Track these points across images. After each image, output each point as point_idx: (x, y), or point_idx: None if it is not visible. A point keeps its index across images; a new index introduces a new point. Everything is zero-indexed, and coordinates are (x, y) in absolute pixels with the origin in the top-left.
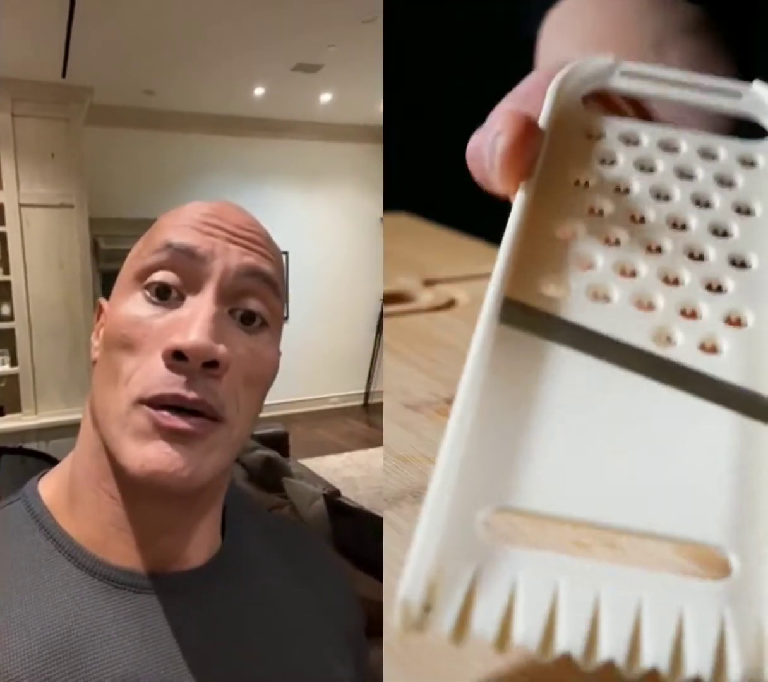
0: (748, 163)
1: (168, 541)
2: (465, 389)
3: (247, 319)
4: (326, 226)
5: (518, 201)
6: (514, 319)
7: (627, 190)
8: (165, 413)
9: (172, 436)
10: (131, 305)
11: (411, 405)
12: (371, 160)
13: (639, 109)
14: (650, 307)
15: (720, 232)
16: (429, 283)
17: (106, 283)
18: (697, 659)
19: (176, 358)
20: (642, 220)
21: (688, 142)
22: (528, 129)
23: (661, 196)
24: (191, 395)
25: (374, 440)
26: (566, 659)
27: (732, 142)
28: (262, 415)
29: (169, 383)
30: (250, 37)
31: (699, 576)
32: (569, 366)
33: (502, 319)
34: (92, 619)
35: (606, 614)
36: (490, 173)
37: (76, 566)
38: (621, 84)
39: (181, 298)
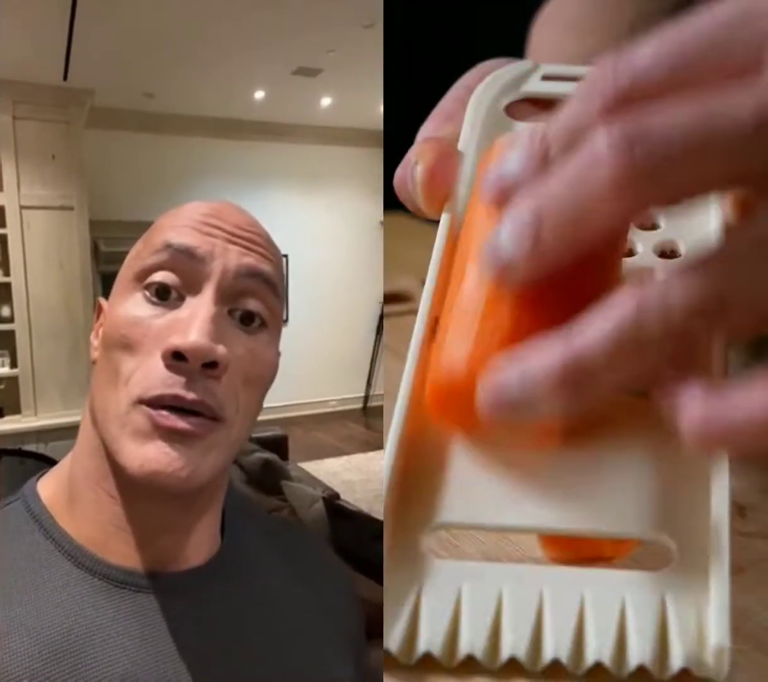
0: None
1: (167, 540)
2: (398, 413)
3: (247, 319)
4: (326, 229)
5: (442, 221)
6: None
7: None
8: (164, 412)
9: (171, 436)
10: (131, 306)
11: None
12: (371, 163)
13: None
14: None
15: (648, 226)
16: None
17: (106, 285)
18: (639, 650)
19: (175, 358)
20: None
21: None
22: (442, 155)
23: None
24: (190, 395)
25: (373, 443)
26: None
27: None
28: (261, 418)
29: (169, 384)
30: (251, 40)
31: (638, 569)
32: None
33: (434, 337)
34: (92, 618)
35: (549, 615)
36: (415, 201)
37: (75, 566)
38: (542, 88)
39: (181, 298)
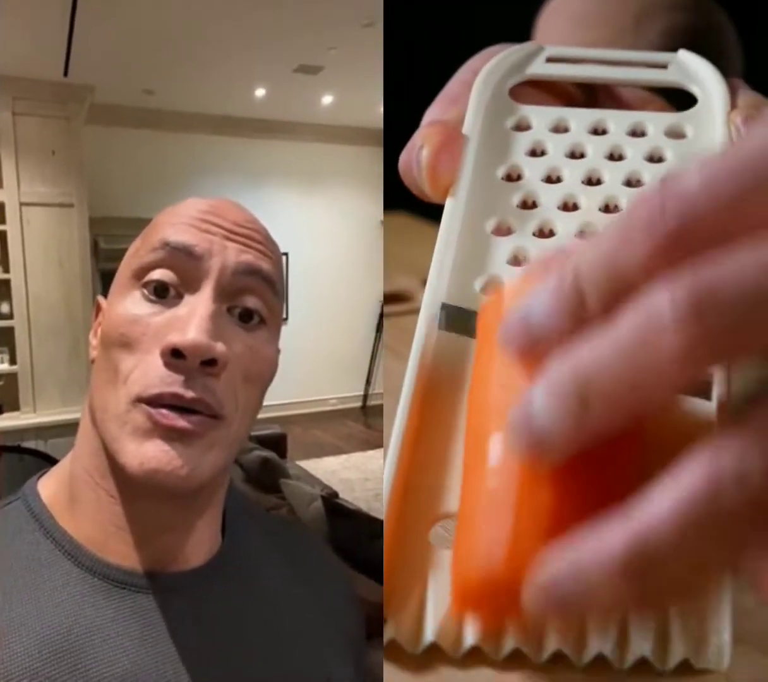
0: (678, 135)
1: (167, 539)
2: (404, 400)
3: (246, 316)
4: (326, 228)
5: (448, 205)
6: (453, 324)
7: (559, 179)
8: (164, 411)
9: (170, 434)
10: (129, 304)
11: None
12: (371, 162)
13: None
14: None
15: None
16: None
17: (105, 282)
18: (640, 642)
19: (174, 356)
20: (575, 207)
21: (616, 123)
22: (447, 138)
23: (592, 181)
24: (190, 393)
25: (372, 442)
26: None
27: (660, 116)
28: (260, 416)
29: (168, 382)
30: (251, 38)
31: None
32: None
33: (441, 324)
34: (92, 618)
35: None
36: (421, 185)
37: (75, 565)
38: (546, 70)
39: (179, 296)
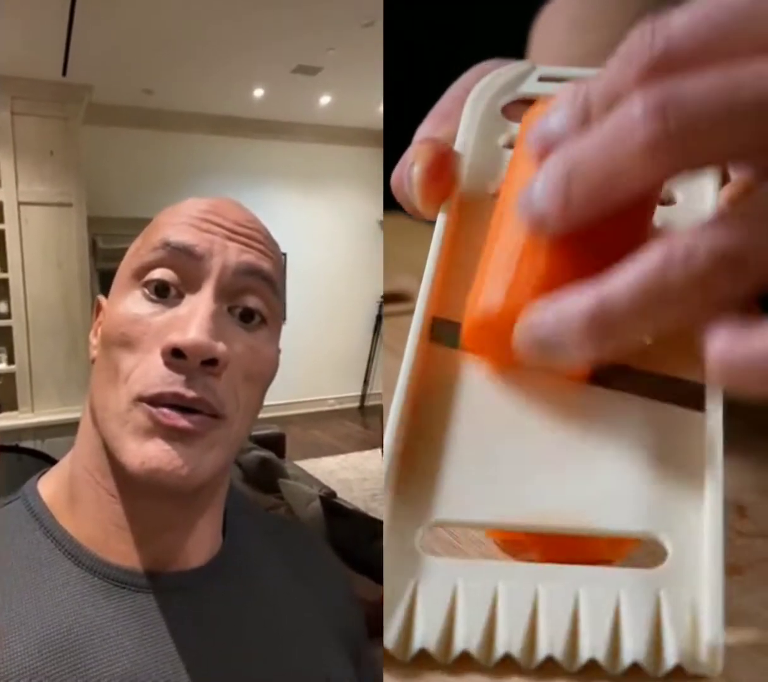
0: None
1: (168, 539)
2: (394, 412)
3: (246, 316)
4: (324, 228)
5: (439, 221)
6: (443, 337)
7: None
8: (165, 410)
9: (171, 434)
10: (130, 303)
11: None
12: (370, 163)
13: None
14: None
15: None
16: None
17: (104, 282)
18: (634, 647)
19: (175, 356)
20: None
21: None
22: (439, 155)
23: None
24: (190, 393)
25: (370, 442)
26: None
27: None
28: (258, 416)
29: (169, 382)
30: (250, 38)
31: (633, 566)
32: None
33: (432, 337)
34: (92, 618)
35: (544, 613)
36: (412, 202)
37: (76, 565)
38: (539, 89)
39: (180, 296)
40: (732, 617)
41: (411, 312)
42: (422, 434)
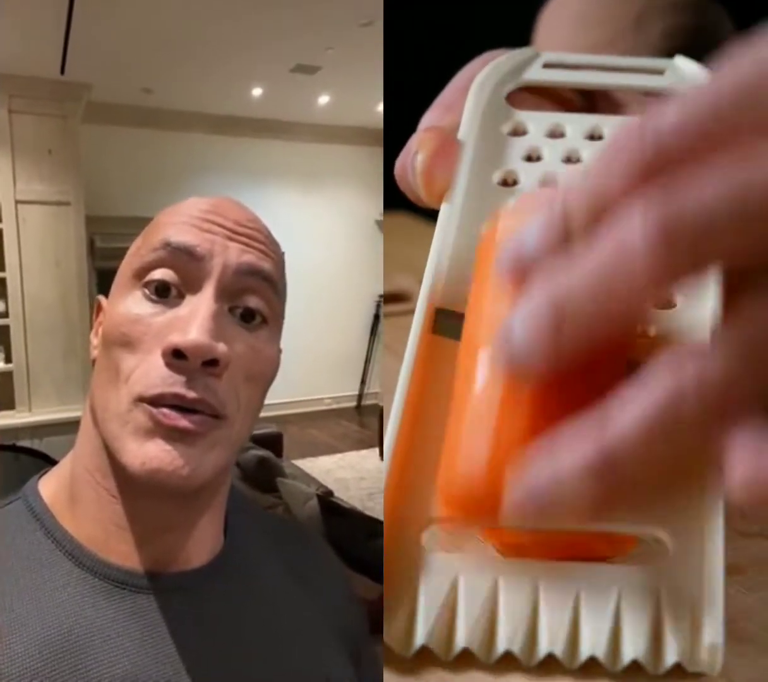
0: None
1: (168, 539)
2: (397, 405)
3: (247, 316)
4: (323, 228)
5: (443, 210)
6: (446, 329)
7: (554, 184)
8: (165, 410)
9: (172, 434)
10: (130, 303)
11: None
12: (368, 162)
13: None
14: None
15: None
16: None
17: (101, 281)
18: (634, 645)
19: (176, 356)
20: None
21: (612, 128)
22: (443, 144)
23: None
24: (191, 394)
25: (367, 441)
26: None
27: None
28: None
29: (170, 383)
30: (249, 37)
31: (633, 564)
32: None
33: (435, 329)
34: (92, 618)
35: (544, 611)
36: (416, 190)
37: (76, 566)
38: (543, 76)
39: (181, 296)
40: (732, 617)
41: (410, 312)
42: (424, 430)
